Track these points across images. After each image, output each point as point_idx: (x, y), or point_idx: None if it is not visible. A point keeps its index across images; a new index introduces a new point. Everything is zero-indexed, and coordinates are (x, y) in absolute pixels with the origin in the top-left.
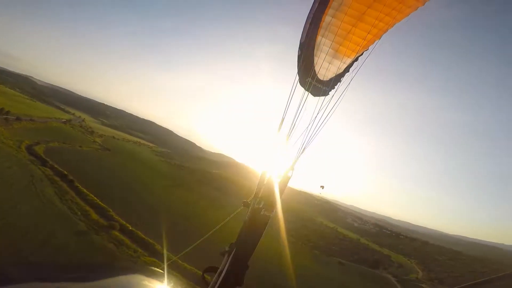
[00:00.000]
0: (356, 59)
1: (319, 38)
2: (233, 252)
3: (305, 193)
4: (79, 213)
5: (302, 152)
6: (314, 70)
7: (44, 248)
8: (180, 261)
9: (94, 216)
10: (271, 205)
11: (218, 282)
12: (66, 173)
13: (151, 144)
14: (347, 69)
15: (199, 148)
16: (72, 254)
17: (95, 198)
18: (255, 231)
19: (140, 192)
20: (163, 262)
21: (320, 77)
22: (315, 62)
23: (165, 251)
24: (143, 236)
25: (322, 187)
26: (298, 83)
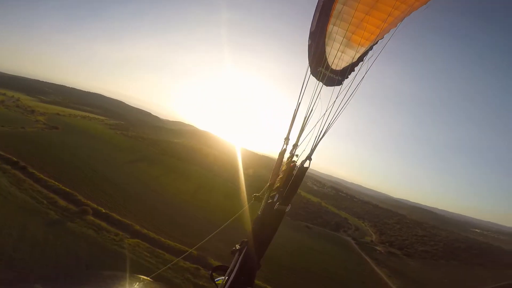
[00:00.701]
0: (371, 48)
1: (330, 27)
2: (244, 250)
3: (267, 157)
4: (44, 201)
5: (319, 142)
6: (327, 60)
7: (23, 244)
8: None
9: (62, 202)
10: (286, 198)
11: (228, 283)
12: (15, 159)
13: (101, 117)
14: (361, 58)
15: (156, 117)
16: (53, 247)
17: (57, 183)
18: (269, 227)
19: (103, 171)
20: (146, 242)
21: (333, 66)
22: (327, 51)
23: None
24: (119, 217)
25: (297, 155)
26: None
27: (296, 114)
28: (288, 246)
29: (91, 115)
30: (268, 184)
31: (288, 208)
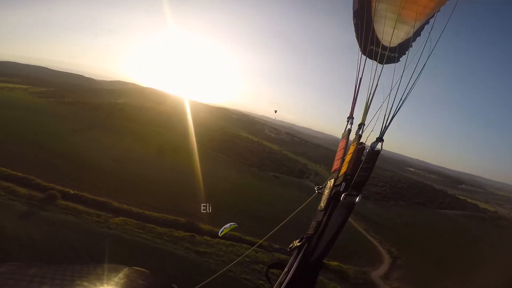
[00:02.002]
0: (427, 22)
1: (374, 3)
2: (304, 248)
3: (222, 108)
4: (1, 192)
5: (390, 121)
6: (377, 37)
7: (10, 244)
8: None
9: (22, 190)
10: (356, 187)
11: (285, 283)
12: None
13: (24, 86)
14: (417, 33)
15: (90, 79)
16: (42, 241)
17: (4, 168)
18: (335, 221)
19: (51, 145)
20: (132, 218)
21: (385, 43)
22: (376, 29)
23: None
24: (92, 196)
25: (276, 111)
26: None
27: (357, 93)
28: (266, 199)
29: (10, 85)
30: (332, 170)
31: (358, 199)
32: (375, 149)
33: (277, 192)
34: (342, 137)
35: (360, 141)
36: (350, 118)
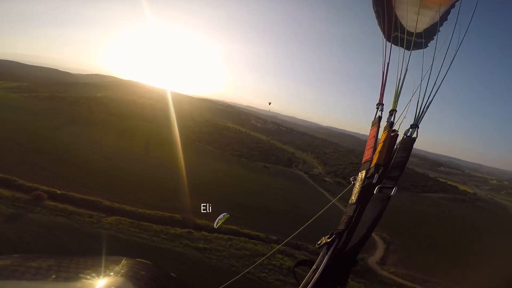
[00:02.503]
0: (453, 6)
1: None
2: (334, 244)
3: (206, 99)
4: None
5: (428, 106)
6: (401, 24)
7: (5, 251)
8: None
9: (6, 192)
10: (390, 179)
11: (313, 281)
12: None
13: None
14: (444, 18)
15: (66, 73)
16: (38, 246)
17: None
18: (368, 215)
19: (31, 143)
20: (126, 216)
21: (411, 29)
22: (399, 15)
23: None
24: (81, 195)
25: (270, 103)
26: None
27: (385, 79)
28: (259, 190)
29: None
30: (363, 161)
31: (393, 192)
32: (411, 136)
33: (267, 182)
34: (373, 125)
35: (393, 128)
36: (380, 104)
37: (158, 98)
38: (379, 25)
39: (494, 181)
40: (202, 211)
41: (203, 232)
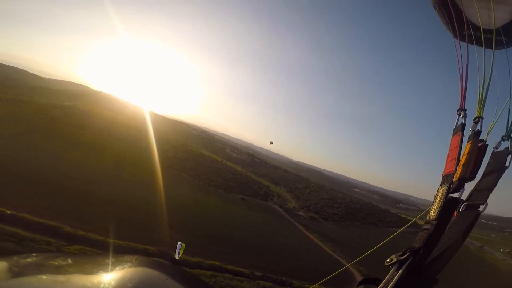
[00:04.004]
0: None
1: None
2: (408, 262)
3: (181, 122)
4: None
5: None
6: (471, 21)
7: None
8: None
9: None
10: (480, 194)
11: None
12: None
13: None
14: None
15: (34, 75)
16: None
17: None
18: (452, 233)
19: None
20: (92, 247)
21: (486, 26)
22: (467, 12)
23: None
24: (37, 218)
25: (271, 142)
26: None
27: (466, 82)
28: (238, 223)
29: None
30: (444, 174)
31: (483, 208)
32: (503, 149)
33: (246, 215)
34: (454, 133)
35: (480, 137)
36: (462, 110)
37: (131, 115)
38: (445, 24)
39: None
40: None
41: (182, 268)
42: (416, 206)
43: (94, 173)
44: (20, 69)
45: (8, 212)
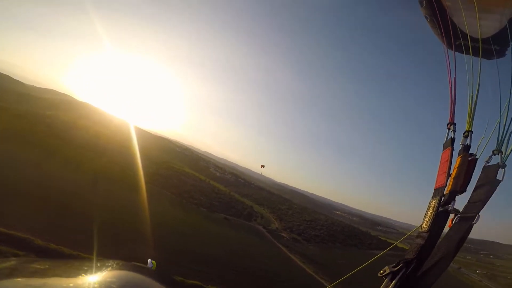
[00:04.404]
0: None
1: None
2: (401, 273)
3: (164, 138)
4: None
5: None
6: (461, 30)
7: None
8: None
9: None
10: (473, 207)
11: None
12: None
13: None
14: None
15: (18, 82)
16: None
17: None
18: (444, 245)
19: None
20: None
21: (474, 35)
22: (456, 21)
23: None
24: (5, 229)
25: (263, 166)
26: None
27: (454, 95)
28: (220, 243)
29: None
30: (435, 187)
31: (476, 221)
32: (497, 165)
33: (229, 235)
34: (444, 148)
35: (470, 152)
36: (452, 124)
37: (114, 128)
38: (436, 34)
39: None
40: (162, 264)
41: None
42: (394, 229)
43: (70, 186)
44: (3, 74)
45: None
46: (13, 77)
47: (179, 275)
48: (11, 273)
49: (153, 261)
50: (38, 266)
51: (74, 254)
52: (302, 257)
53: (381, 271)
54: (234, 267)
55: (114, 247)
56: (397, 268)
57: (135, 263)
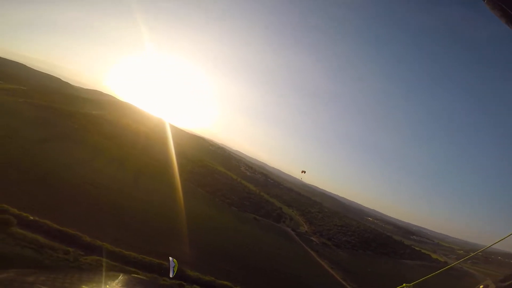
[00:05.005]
0: None
1: None
2: None
3: (199, 137)
4: None
5: None
6: None
7: None
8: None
9: None
10: None
11: None
12: None
13: None
14: None
15: (67, 84)
16: None
17: None
18: None
19: (13, 156)
20: (109, 258)
21: None
22: None
23: None
24: (57, 225)
25: (304, 172)
26: None
27: None
28: (249, 244)
29: None
30: None
31: None
32: None
33: (259, 237)
34: None
35: None
36: None
37: (151, 126)
38: (500, 17)
39: (460, 251)
40: (194, 261)
41: (194, 286)
42: (429, 239)
43: (115, 183)
44: (55, 77)
45: (31, 218)
46: (63, 80)
47: (210, 275)
48: (10, 284)
49: (174, 260)
50: (36, 279)
51: (117, 251)
52: (330, 262)
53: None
54: (262, 269)
55: (153, 244)
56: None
57: (139, 276)
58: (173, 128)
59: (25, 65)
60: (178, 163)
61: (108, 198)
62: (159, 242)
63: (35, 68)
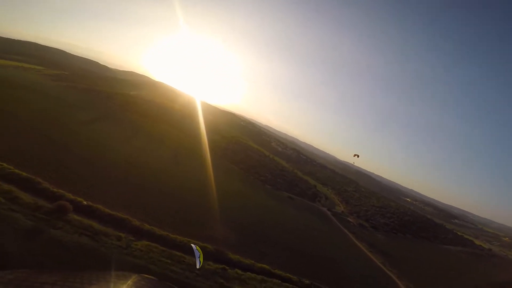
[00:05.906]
0: None
1: None
2: None
3: (229, 113)
4: (1, 199)
5: None
6: None
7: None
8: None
9: (26, 197)
10: None
11: None
12: None
13: (38, 67)
14: None
15: (104, 67)
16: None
17: (6, 165)
18: None
19: (61, 139)
20: (157, 242)
21: None
22: None
23: None
24: (109, 210)
25: (357, 155)
26: None
27: None
28: (285, 224)
29: (26, 65)
30: None
31: None
32: None
33: (294, 216)
34: None
35: None
36: None
37: (184, 104)
38: None
39: (506, 239)
40: (235, 244)
41: (236, 270)
42: (472, 224)
43: (155, 162)
44: (93, 61)
45: (85, 202)
46: (100, 63)
47: (249, 257)
48: (20, 285)
49: (198, 247)
50: (48, 279)
51: (164, 235)
52: (368, 245)
53: None
54: (298, 251)
55: (193, 226)
56: None
57: (152, 277)
58: (205, 105)
59: (65, 51)
60: (211, 140)
61: (150, 179)
62: (201, 224)
63: (74, 54)
